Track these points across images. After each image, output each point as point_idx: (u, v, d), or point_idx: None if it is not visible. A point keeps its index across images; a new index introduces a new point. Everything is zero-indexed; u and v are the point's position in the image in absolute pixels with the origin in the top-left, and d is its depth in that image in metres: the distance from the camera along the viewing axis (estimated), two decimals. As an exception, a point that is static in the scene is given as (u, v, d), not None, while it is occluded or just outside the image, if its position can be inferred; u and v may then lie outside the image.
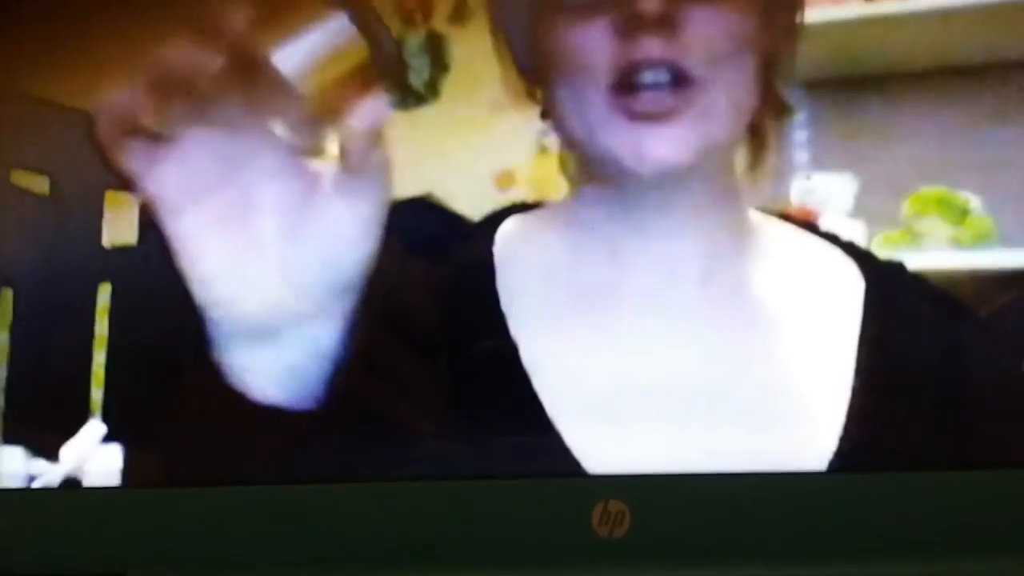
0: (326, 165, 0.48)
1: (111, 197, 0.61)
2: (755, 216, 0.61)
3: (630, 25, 0.53)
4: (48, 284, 0.60)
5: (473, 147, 0.63)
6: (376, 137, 0.47)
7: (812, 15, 0.59)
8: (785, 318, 0.59)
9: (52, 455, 0.59)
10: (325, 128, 0.46)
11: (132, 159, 0.46)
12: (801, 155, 0.58)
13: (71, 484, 0.58)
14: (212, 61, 0.45)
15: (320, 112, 0.46)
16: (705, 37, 0.54)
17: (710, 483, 0.54)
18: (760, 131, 0.59)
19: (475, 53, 0.63)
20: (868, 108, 0.66)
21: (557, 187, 0.62)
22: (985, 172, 0.74)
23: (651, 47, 0.53)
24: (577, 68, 0.55)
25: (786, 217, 0.61)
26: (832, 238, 0.62)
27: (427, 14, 0.66)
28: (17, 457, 0.59)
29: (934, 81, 0.69)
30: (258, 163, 0.48)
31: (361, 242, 0.49)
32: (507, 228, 0.61)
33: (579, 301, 0.59)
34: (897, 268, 0.61)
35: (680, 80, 0.54)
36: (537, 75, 0.59)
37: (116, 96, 0.46)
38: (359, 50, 0.46)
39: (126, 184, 0.47)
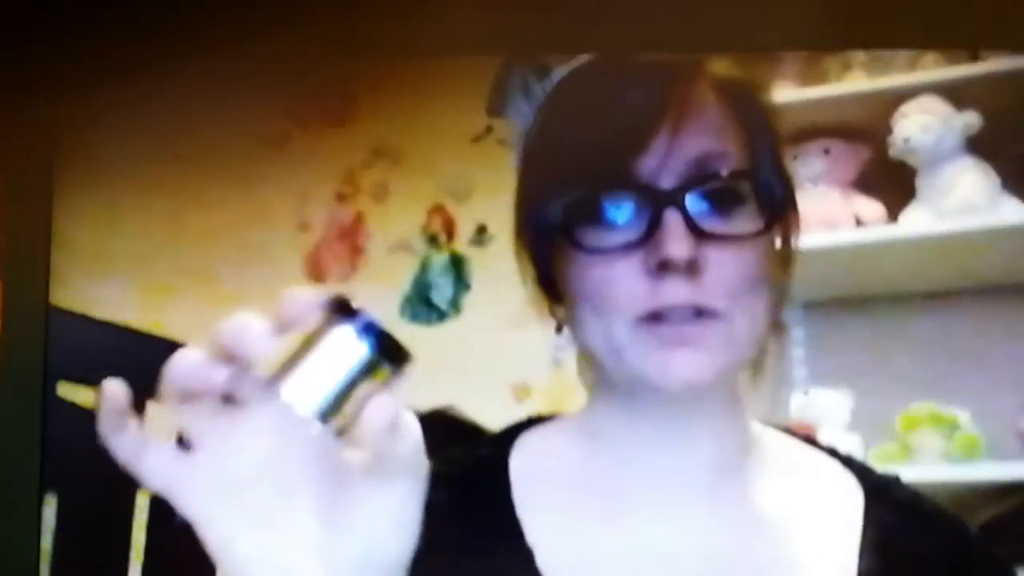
0: (359, 458, 0.45)
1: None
2: (756, 427, 0.63)
3: (659, 269, 0.55)
4: (89, 491, 0.61)
5: (492, 361, 0.66)
6: (394, 430, 0.45)
7: (808, 241, 0.62)
8: (787, 526, 0.60)
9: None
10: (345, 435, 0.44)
11: (123, 451, 0.45)
12: (800, 371, 0.60)
13: None
14: (221, 374, 0.44)
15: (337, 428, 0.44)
16: (726, 279, 0.56)
17: None
18: (760, 348, 0.62)
19: (494, 274, 0.67)
20: (861, 327, 0.68)
21: (571, 400, 0.64)
22: (972, 388, 0.76)
23: (678, 291, 0.55)
24: (604, 299, 0.57)
25: (786, 430, 0.64)
26: (830, 451, 0.64)
27: (451, 236, 0.69)
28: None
29: (923, 302, 0.72)
30: (291, 459, 0.46)
31: (402, 534, 0.47)
32: (523, 439, 0.63)
33: (591, 508, 0.61)
34: (894, 481, 0.63)
35: (704, 313, 0.56)
36: (559, 295, 0.61)
37: (115, 392, 0.45)
38: (379, 375, 0.44)
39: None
